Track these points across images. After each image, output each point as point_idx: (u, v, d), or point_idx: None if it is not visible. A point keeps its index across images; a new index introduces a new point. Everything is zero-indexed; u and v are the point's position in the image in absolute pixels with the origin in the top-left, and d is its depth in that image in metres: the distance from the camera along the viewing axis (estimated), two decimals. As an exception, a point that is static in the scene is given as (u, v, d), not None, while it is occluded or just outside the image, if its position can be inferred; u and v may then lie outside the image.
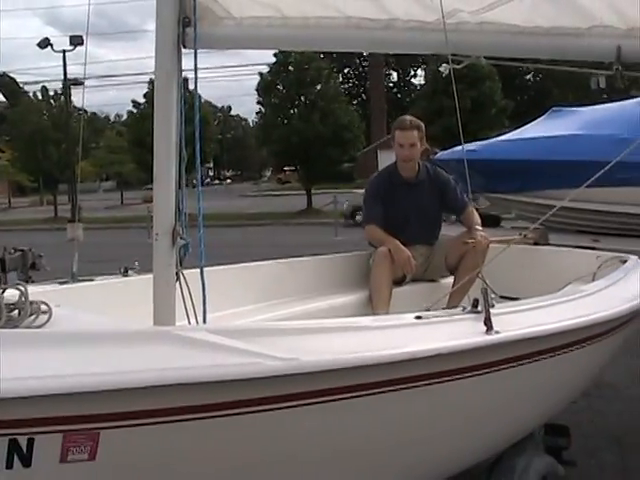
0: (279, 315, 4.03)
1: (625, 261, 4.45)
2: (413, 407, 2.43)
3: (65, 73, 33.92)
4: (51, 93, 42.17)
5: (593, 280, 4.18)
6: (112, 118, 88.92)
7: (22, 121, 40.39)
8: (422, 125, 4.98)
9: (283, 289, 4.60)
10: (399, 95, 62.47)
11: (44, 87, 43.05)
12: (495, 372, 2.61)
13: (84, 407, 1.81)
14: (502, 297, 4.94)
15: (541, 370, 2.89)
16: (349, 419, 2.26)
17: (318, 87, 35.11)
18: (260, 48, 3.17)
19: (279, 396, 2.05)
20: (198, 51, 2.81)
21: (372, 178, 5.32)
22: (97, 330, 2.09)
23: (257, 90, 36.27)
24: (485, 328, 2.50)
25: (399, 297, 4.69)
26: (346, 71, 64.05)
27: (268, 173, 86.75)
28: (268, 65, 35.61)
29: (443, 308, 2.94)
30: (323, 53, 41.17)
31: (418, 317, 2.56)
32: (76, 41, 30.29)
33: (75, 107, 39.91)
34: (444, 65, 3.73)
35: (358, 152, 35.82)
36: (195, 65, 2.83)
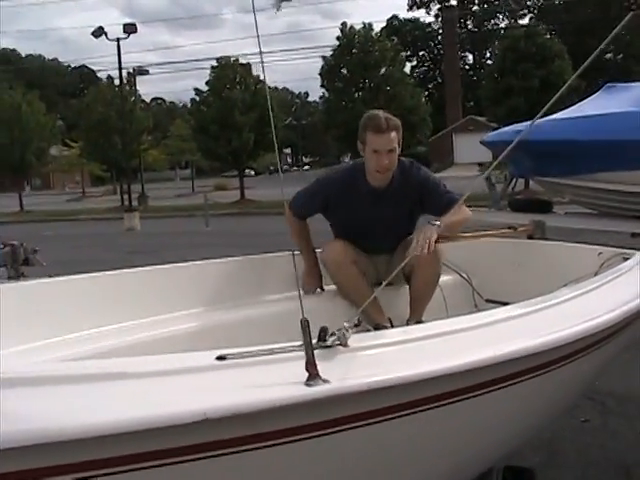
0: (99, 347, 3.23)
1: (627, 258, 3.70)
2: None
3: (120, 61, 33.92)
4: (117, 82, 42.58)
5: None
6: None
7: (88, 110, 41.05)
8: (400, 123, 4.00)
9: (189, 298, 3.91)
10: (475, 77, 61.01)
11: (109, 76, 43.64)
12: (342, 432, 1.83)
13: None
14: (488, 301, 4.27)
15: (459, 414, 2.12)
16: None
17: (383, 70, 34.36)
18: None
19: None
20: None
21: (332, 174, 4.34)
22: None
23: (320, 74, 35.89)
24: (307, 376, 1.73)
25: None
26: (421, 54, 62.97)
27: (347, 158, 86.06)
28: (331, 49, 35.16)
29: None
30: (394, 35, 40.47)
31: (221, 357, 1.80)
32: (130, 29, 30.35)
33: (139, 96, 40.15)
34: None
35: (426, 136, 35.00)
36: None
